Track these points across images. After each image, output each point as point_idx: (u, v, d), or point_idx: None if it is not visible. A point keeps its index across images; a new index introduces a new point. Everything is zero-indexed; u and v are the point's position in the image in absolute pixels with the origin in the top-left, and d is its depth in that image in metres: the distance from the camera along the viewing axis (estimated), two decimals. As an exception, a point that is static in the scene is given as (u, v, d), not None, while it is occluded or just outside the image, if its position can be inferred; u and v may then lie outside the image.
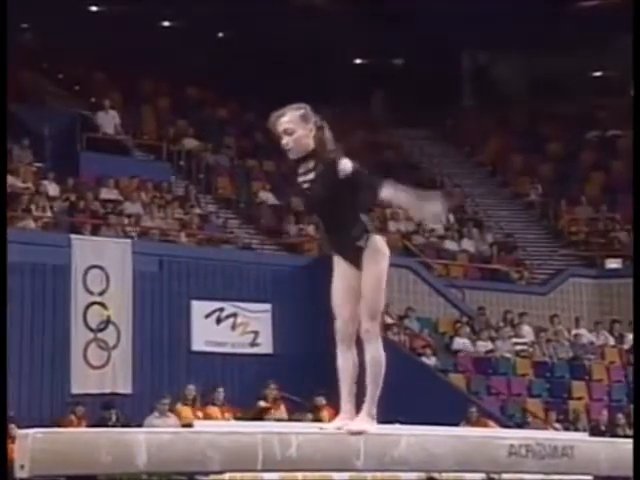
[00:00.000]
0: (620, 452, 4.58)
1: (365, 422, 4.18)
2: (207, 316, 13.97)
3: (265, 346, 14.19)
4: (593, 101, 20.03)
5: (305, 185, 4.17)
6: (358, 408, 4.28)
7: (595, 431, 13.04)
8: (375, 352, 4.16)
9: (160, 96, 18.43)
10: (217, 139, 17.80)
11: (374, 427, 4.21)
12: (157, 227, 14.85)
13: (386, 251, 4.21)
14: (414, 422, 8.74)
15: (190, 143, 17.25)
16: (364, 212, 4.23)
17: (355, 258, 4.16)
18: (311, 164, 4.17)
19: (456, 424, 11.56)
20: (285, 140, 4.18)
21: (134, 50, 17.33)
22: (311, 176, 4.16)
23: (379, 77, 20.12)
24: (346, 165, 4.08)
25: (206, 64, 17.99)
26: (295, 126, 4.17)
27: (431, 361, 14.42)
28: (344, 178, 4.07)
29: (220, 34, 19.92)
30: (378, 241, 4.19)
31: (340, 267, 4.22)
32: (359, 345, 4.25)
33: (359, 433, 4.09)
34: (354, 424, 4.16)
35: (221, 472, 3.92)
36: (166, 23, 19.58)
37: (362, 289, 4.15)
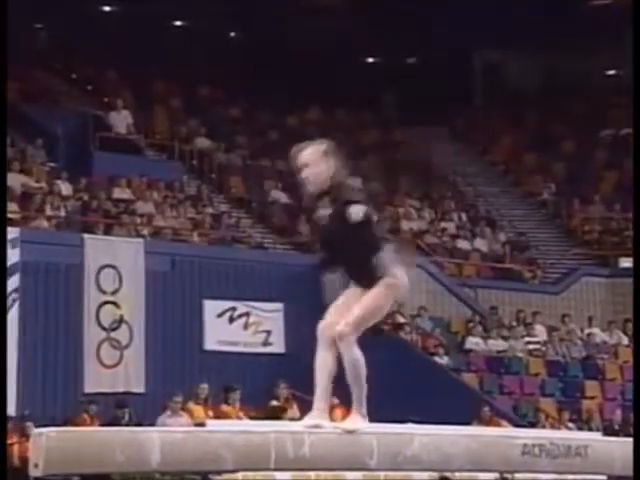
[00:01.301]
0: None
1: (357, 421, 4.25)
2: (219, 315, 14.00)
3: (277, 345, 14.21)
4: (606, 100, 19.95)
5: (322, 221, 4.29)
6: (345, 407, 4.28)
7: (609, 431, 12.98)
8: (352, 355, 4.24)
9: (172, 96, 18.47)
10: (229, 138, 17.83)
11: (366, 425, 4.28)
12: (169, 226, 14.88)
13: (403, 282, 4.28)
14: (427, 421, 8.73)
15: (202, 142, 17.28)
16: (380, 249, 4.28)
17: (372, 284, 4.29)
18: (327, 200, 4.28)
19: (468, 423, 11.54)
20: (305, 173, 4.27)
21: (146, 50, 17.38)
22: (328, 212, 4.27)
23: (391, 76, 20.10)
24: (357, 214, 4.17)
25: (218, 64, 18.03)
26: (316, 160, 4.25)
27: (444, 360, 14.40)
28: (355, 223, 4.17)
29: (232, 34, 19.93)
30: (398, 272, 4.27)
31: (353, 289, 4.34)
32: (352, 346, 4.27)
33: (352, 432, 4.16)
34: (347, 423, 4.24)
35: (234, 471, 3.93)
36: (178, 23, 19.62)
37: (359, 302, 4.24)
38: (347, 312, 4.27)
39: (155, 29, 18.37)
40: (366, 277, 4.27)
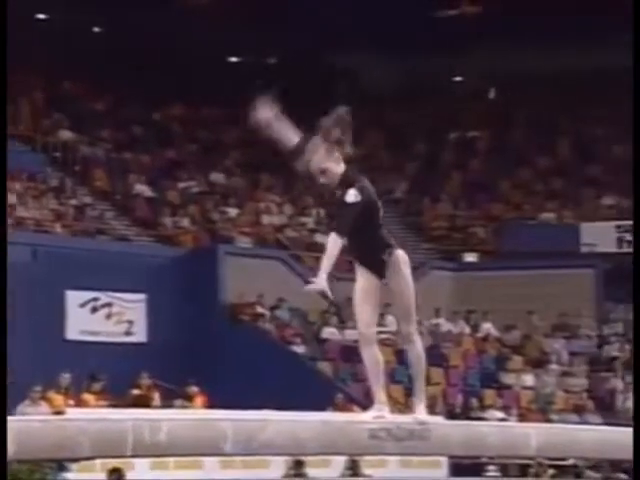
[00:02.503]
0: (473, 434, 4.82)
1: (425, 413, 4.60)
2: (82, 305, 14.18)
3: (139, 335, 14.51)
4: (454, 104, 21.02)
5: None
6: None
7: (450, 414, 13.84)
8: (419, 350, 4.55)
9: (35, 89, 18.30)
10: (93, 132, 17.87)
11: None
12: (32, 217, 14.92)
13: (407, 260, 4.58)
14: (283, 408, 9.24)
15: (66, 135, 17.28)
16: (381, 228, 4.57)
17: (378, 269, 4.50)
18: (340, 190, 4.52)
19: (324, 409, 12.16)
20: (322, 179, 4.49)
21: (8, 43, 17.13)
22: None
23: (254, 75, 20.55)
24: (352, 196, 4.46)
25: (82, 58, 17.99)
26: (324, 162, 4.44)
27: (301, 349, 15.01)
28: (352, 204, 4.45)
29: (96, 29, 19.87)
30: (400, 254, 4.51)
31: (363, 276, 4.55)
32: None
33: (424, 424, 4.49)
34: (421, 416, 4.56)
35: (91, 458, 4.05)
36: (42, 16, 19.39)
37: (394, 298, 4.50)
38: (373, 305, 4.47)
39: (18, 22, 18.10)
40: (373, 259, 4.46)
